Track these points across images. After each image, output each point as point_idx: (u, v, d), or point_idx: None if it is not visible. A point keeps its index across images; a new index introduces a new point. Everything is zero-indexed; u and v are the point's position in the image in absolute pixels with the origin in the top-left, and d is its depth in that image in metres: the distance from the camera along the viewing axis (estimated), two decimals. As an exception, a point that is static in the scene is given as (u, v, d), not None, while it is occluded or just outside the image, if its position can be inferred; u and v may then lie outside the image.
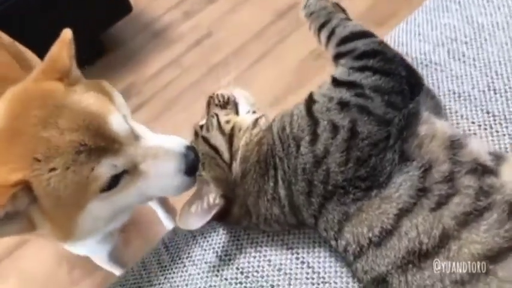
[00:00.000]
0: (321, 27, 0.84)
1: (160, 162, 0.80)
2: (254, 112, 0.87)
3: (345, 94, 0.72)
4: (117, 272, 1.42)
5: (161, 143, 0.82)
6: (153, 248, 0.94)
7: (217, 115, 0.85)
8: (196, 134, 0.87)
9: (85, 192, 0.74)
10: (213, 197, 0.77)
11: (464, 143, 0.67)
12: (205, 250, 0.85)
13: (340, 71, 0.76)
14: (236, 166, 0.77)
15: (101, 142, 0.73)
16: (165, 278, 0.86)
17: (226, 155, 0.78)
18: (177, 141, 0.84)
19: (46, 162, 0.70)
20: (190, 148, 0.83)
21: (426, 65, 0.93)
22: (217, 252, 0.84)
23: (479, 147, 0.67)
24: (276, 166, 0.75)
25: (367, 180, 0.68)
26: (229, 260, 0.82)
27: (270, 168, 0.75)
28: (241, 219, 0.78)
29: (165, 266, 0.87)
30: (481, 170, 0.64)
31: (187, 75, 2.18)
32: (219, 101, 0.89)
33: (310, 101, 0.75)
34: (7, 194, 0.68)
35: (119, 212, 0.85)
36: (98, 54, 2.34)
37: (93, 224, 0.81)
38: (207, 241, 0.86)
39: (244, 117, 0.85)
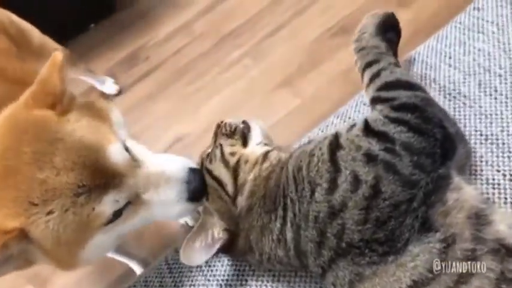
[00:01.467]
0: (368, 65, 0.79)
1: (162, 190, 0.76)
2: (266, 145, 0.82)
3: (374, 146, 0.67)
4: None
5: (162, 169, 0.77)
6: (155, 265, 0.92)
7: (221, 146, 0.82)
8: (202, 164, 0.83)
9: (86, 230, 0.71)
10: (217, 231, 0.75)
11: (490, 219, 0.63)
12: (208, 281, 0.84)
13: (375, 118, 0.71)
14: (242, 200, 0.75)
15: (100, 180, 0.69)
16: (167, 304, 0.85)
17: (230, 188, 0.76)
18: (180, 164, 0.80)
19: (43, 206, 0.66)
20: (193, 172, 0.79)
21: (454, 97, 0.87)
22: (221, 285, 0.82)
23: (504, 223, 0.63)
24: (286, 207, 0.71)
25: (384, 245, 0.64)
26: (233, 297, 0.80)
27: (279, 207, 0.72)
28: (246, 253, 0.76)
29: (167, 290, 0.86)
30: (504, 253, 0.61)
31: (197, 44, 2.09)
32: (226, 130, 0.85)
33: (335, 145, 0.70)
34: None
35: (121, 238, 0.82)
36: (108, 12, 2.25)
37: (96, 253, 0.78)
38: (211, 271, 0.85)
39: (254, 150, 0.81)
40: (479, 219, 0.63)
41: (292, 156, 0.76)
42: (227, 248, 0.76)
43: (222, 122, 0.86)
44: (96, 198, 0.69)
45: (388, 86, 0.74)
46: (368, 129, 0.70)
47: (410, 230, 0.63)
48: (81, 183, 0.67)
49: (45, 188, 0.66)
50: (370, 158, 0.66)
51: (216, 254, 0.76)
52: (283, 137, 1.74)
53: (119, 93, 2.03)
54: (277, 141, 0.87)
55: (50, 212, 0.66)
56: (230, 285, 0.81)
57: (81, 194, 0.67)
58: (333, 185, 0.67)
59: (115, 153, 0.72)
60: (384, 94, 0.74)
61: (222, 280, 0.82)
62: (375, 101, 0.75)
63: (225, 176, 0.77)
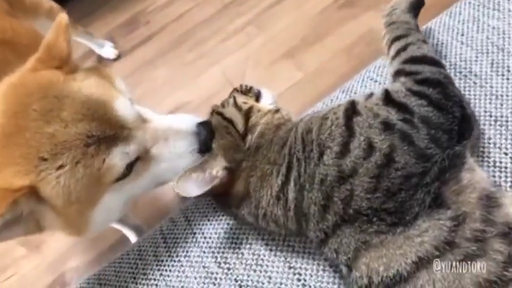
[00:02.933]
0: (396, 39, 0.80)
1: (171, 143, 0.76)
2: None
3: (393, 116, 0.67)
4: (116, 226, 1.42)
5: (170, 124, 0.78)
6: (150, 235, 0.91)
7: (234, 97, 0.84)
8: (212, 111, 0.84)
9: (98, 185, 0.70)
10: (216, 169, 0.74)
11: (500, 202, 0.62)
12: (204, 252, 0.82)
13: (396, 89, 0.71)
14: (252, 138, 0.76)
15: (109, 130, 0.69)
16: (161, 274, 0.83)
17: (240, 126, 0.77)
18: (187, 120, 0.80)
19: (53, 160, 0.66)
20: (202, 124, 0.79)
21: (465, 76, 0.84)
22: (216, 257, 0.81)
23: (513, 207, 0.62)
24: (291, 165, 0.71)
25: (393, 215, 0.63)
26: (229, 269, 0.79)
27: (283, 164, 0.71)
28: (242, 203, 0.75)
29: (162, 261, 0.85)
30: (513, 237, 0.59)
31: (200, 10, 2.04)
32: (241, 87, 0.88)
33: (351, 111, 0.70)
34: (8, 200, 0.63)
35: (131, 200, 0.81)
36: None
37: (107, 216, 0.78)
38: (207, 243, 0.83)
39: (265, 105, 0.84)
40: (489, 201, 0.62)
41: (303, 120, 0.76)
42: (223, 192, 0.75)
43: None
44: (106, 149, 0.68)
45: (414, 60, 0.75)
46: (388, 99, 0.70)
47: (420, 204, 0.63)
48: (90, 133, 0.67)
49: (54, 142, 0.65)
50: (387, 127, 0.66)
51: (211, 196, 0.78)
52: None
53: (118, 57, 1.98)
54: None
55: (60, 167, 0.66)
56: (226, 257, 0.80)
57: (91, 144, 0.67)
58: (344, 149, 0.66)
59: (123, 107, 0.72)
60: (409, 67, 0.74)
61: (218, 252, 0.81)
62: (399, 73, 0.75)
63: (236, 116, 0.79)
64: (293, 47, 1.83)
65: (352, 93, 0.92)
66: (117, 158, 0.70)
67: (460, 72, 0.85)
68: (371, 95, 0.73)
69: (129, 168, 0.73)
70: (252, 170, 0.74)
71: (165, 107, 1.79)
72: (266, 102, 0.86)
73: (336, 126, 0.69)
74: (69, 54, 0.74)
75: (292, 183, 0.70)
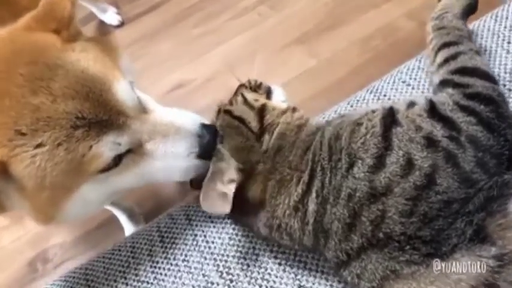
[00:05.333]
0: (445, 45, 0.72)
1: (170, 141, 0.68)
2: None
3: (438, 131, 0.60)
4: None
5: (172, 119, 0.69)
6: (145, 230, 0.83)
7: (243, 94, 0.75)
8: (218, 110, 0.75)
9: (78, 174, 0.61)
10: (230, 172, 0.66)
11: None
12: (204, 258, 0.74)
13: (443, 101, 0.64)
14: (270, 139, 0.67)
15: (102, 114, 0.61)
16: (155, 278, 0.75)
17: (254, 124, 0.69)
18: (192, 118, 0.72)
19: (32, 136, 0.57)
20: (206, 127, 0.71)
21: (509, 89, 0.76)
22: (218, 266, 0.73)
23: None
24: (314, 174, 0.63)
25: (428, 245, 0.56)
26: (231, 281, 0.71)
27: (306, 171, 0.64)
28: (258, 211, 0.67)
29: (157, 262, 0.77)
30: None
31: (211, -18, 1.92)
32: (250, 84, 0.80)
33: (391, 119, 0.62)
34: None
35: (113, 195, 0.73)
36: None
37: (82, 208, 0.69)
38: (209, 248, 0.75)
39: (279, 103, 0.76)
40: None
41: (331, 123, 0.68)
42: (237, 196, 0.66)
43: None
44: (95, 135, 0.60)
45: (464, 71, 0.67)
46: (433, 111, 0.62)
47: (460, 236, 0.55)
48: (81, 114, 0.59)
49: (37, 116, 0.57)
50: (430, 143, 0.59)
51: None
52: (293, 99, 1.61)
53: (121, 25, 1.87)
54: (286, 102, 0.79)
55: (39, 145, 0.57)
56: (229, 267, 0.72)
57: (79, 127, 0.58)
58: (379, 163, 0.59)
59: (122, 91, 0.64)
60: (458, 79, 0.67)
61: (220, 260, 0.73)
62: (445, 83, 0.68)
63: (248, 114, 0.70)
64: (306, 32, 1.73)
65: (381, 96, 0.84)
66: (106, 147, 0.61)
67: (504, 86, 0.76)
68: (412, 103, 0.65)
69: (117, 160, 0.64)
70: (270, 173, 0.66)
71: (166, 83, 1.69)
72: (278, 100, 0.78)
73: (371, 135, 0.61)
74: (71, 17, 0.65)
75: (313, 194, 0.62)
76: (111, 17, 1.87)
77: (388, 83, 0.86)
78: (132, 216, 1.41)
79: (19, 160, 0.57)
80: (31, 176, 0.59)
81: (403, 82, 0.84)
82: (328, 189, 0.61)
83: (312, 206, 0.62)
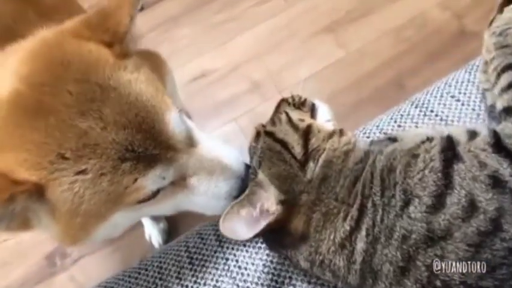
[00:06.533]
0: (510, 67, 0.65)
1: (214, 180, 0.65)
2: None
3: (505, 169, 0.53)
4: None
5: (219, 156, 0.66)
6: (173, 248, 0.78)
7: (287, 112, 0.69)
8: (258, 133, 0.69)
9: (115, 204, 0.58)
10: (270, 203, 0.61)
11: None
12: (237, 285, 0.70)
13: (509, 133, 0.56)
14: (314, 167, 0.61)
15: (153, 149, 0.57)
16: (184, 304, 0.72)
17: (298, 150, 0.63)
18: (237, 157, 0.68)
19: (75, 162, 0.53)
20: (247, 167, 0.67)
21: None
22: (252, 295, 0.69)
23: None
24: (364, 210, 0.57)
25: None
26: (266, 314, 0.67)
27: (354, 206, 0.58)
28: (300, 245, 0.61)
29: (186, 286, 0.73)
30: None
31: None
32: (293, 101, 0.73)
33: (452, 153, 0.56)
34: (4, 193, 0.51)
35: (140, 218, 0.69)
36: None
37: (110, 232, 0.66)
38: (241, 274, 0.71)
39: (325, 124, 0.69)
40: None
41: (384, 152, 0.61)
42: (276, 229, 0.62)
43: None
44: (143, 169, 0.56)
45: None
46: (499, 145, 0.55)
47: None
48: (131, 147, 0.55)
49: (83, 141, 0.53)
50: (496, 183, 0.52)
51: (261, 235, 0.63)
52: (320, 92, 1.57)
53: (140, 10, 1.80)
54: (312, 96, 0.74)
55: (81, 172, 0.54)
56: (263, 297, 0.68)
57: (127, 160, 0.55)
58: (438, 203, 0.53)
59: (174, 122, 0.60)
60: None
61: (254, 289, 0.69)
62: (509, 111, 0.61)
63: (292, 138, 0.64)
64: (336, 21, 1.65)
65: (428, 111, 0.77)
66: (151, 180, 0.57)
67: None
68: (474, 134, 0.59)
69: (156, 193, 0.61)
70: (315, 204, 0.60)
71: (188, 72, 1.63)
72: (323, 119, 0.71)
73: (430, 171, 0.55)
74: (127, 31, 0.60)
75: (363, 232, 0.57)
76: (130, -1, 1.80)
77: (435, 96, 0.79)
78: (157, 221, 1.37)
79: (57, 184, 0.54)
80: (67, 201, 0.55)
81: (452, 97, 0.78)
82: (379, 228, 0.56)
83: (360, 245, 0.57)
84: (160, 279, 0.75)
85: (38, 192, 0.54)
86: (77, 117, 0.53)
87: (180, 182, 0.63)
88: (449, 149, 0.56)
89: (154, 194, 0.60)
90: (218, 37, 1.69)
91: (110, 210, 0.59)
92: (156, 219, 1.37)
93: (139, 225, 1.39)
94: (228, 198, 0.66)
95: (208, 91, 1.58)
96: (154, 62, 0.66)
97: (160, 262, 0.77)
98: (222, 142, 0.69)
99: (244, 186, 0.65)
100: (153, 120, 0.57)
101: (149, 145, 0.56)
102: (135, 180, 0.56)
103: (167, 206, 0.65)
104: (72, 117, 0.53)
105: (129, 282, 0.77)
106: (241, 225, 0.59)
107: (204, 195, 0.65)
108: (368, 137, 0.78)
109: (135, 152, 0.55)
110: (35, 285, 1.39)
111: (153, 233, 1.38)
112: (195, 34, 1.72)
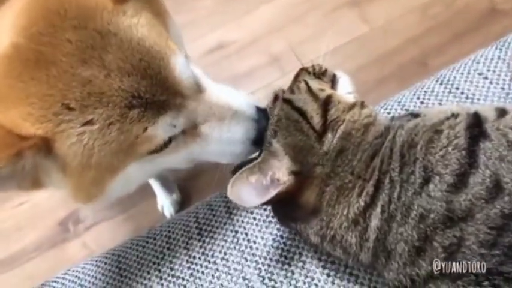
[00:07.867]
0: None
1: (226, 125, 0.64)
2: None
3: None
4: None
5: (229, 101, 0.64)
6: (182, 218, 0.77)
7: (306, 81, 0.66)
8: (276, 96, 0.67)
9: (127, 154, 0.57)
10: (282, 172, 0.59)
11: None
12: (245, 259, 0.69)
13: None
14: (332, 138, 0.59)
15: (160, 95, 0.56)
16: (192, 275, 0.70)
17: (316, 120, 0.60)
18: (248, 102, 0.66)
19: (81, 112, 0.52)
20: (262, 111, 0.66)
21: None
22: (260, 270, 0.67)
23: None
24: (381, 186, 0.55)
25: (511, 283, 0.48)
26: (274, 288, 0.65)
27: (370, 181, 0.56)
28: (311, 218, 0.60)
29: (194, 257, 0.72)
30: None
31: None
32: (314, 70, 0.70)
33: (478, 130, 0.53)
34: (10, 149, 0.50)
35: (156, 173, 0.68)
36: None
37: (124, 186, 0.66)
38: (250, 248, 0.69)
39: (345, 95, 0.66)
40: None
41: (405, 127, 0.58)
42: (287, 199, 0.60)
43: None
44: (152, 117, 0.55)
45: None
46: None
47: None
48: (137, 93, 0.54)
49: (88, 90, 0.52)
50: None
51: (271, 204, 0.62)
52: (341, 67, 1.49)
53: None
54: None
55: (88, 122, 0.52)
56: (272, 272, 0.66)
57: (135, 107, 0.53)
58: (460, 182, 0.50)
59: (180, 67, 0.58)
60: None
61: (263, 264, 0.67)
62: None
63: (311, 107, 0.61)
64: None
65: (453, 88, 0.74)
66: (162, 128, 0.56)
67: None
68: (503, 111, 0.55)
69: (168, 142, 0.60)
70: (329, 177, 0.58)
71: (206, 43, 1.60)
72: (343, 91, 0.68)
73: (453, 148, 0.52)
74: None
75: (378, 209, 0.54)
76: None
77: (462, 73, 0.75)
78: (165, 183, 1.36)
79: (65, 137, 0.53)
80: (76, 155, 0.54)
81: (480, 74, 0.74)
82: (396, 205, 0.53)
83: (375, 222, 0.54)
84: (168, 248, 0.74)
85: (46, 146, 0.53)
86: (78, 66, 0.52)
87: (191, 131, 0.62)
88: (476, 126, 0.53)
89: (167, 144, 0.59)
90: (238, 8, 1.66)
91: (123, 162, 0.58)
92: (169, 189, 1.37)
93: (152, 195, 1.39)
94: (246, 142, 0.65)
95: (226, 63, 1.55)
96: (155, 8, 0.63)
97: (169, 232, 0.76)
98: (230, 87, 0.67)
99: (261, 128, 0.64)
100: (159, 65, 0.55)
101: (156, 91, 0.55)
102: (145, 129, 0.55)
103: (181, 157, 0.64)
104: (74, 66, 0.52)
105: (137, 250, 0.76)
106: (249, 192, 0.57)
107: (218, 142, 0.64)
108: (389, 113, 0.75)
109: (142, 99, 0.54)
110: (48, 250, 1.40)
111: (165, 204, 1.38)
112: (214, 4, 1.69)
